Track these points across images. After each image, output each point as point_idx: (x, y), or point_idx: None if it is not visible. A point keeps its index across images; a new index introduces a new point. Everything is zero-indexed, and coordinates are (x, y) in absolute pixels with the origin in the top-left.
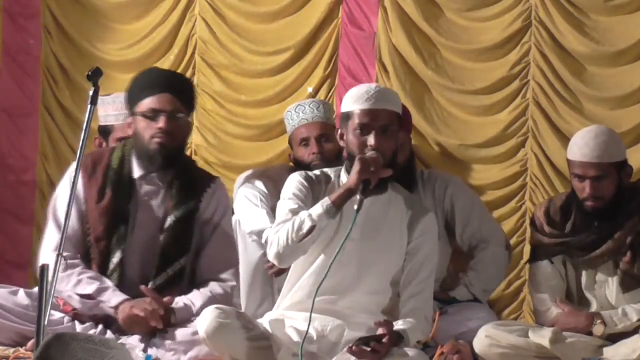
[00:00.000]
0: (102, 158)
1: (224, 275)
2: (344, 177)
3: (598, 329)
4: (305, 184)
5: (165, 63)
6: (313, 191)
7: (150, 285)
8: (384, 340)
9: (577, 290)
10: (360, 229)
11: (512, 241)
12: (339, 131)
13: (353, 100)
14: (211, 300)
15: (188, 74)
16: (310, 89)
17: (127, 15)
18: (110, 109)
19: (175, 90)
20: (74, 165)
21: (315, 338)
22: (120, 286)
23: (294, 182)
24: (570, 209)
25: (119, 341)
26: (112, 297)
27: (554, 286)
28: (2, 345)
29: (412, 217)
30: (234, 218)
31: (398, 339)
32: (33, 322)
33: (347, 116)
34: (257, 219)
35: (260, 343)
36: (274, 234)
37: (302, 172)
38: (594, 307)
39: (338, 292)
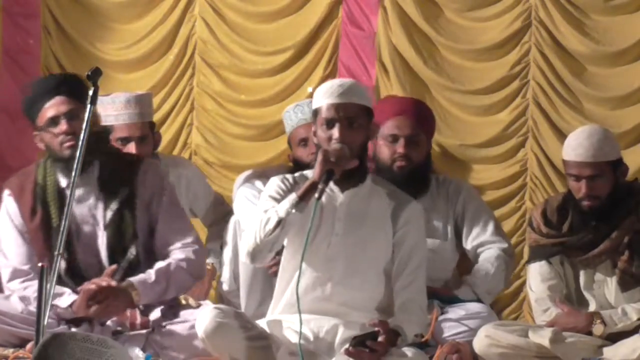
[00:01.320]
0: (28, 177)
1: (184, 241)
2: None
3: (598, 329)
4: (283, 186)
5: (165, 63)
6: (290, 194)
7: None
8: (381, 339)
9: (576, 290)
10: (343, 223)
11: (512, 241)
12: (312, 128)
13: (320, 95)
14: (169, 266)
15: (188, 74)
16: (310, 89)
17: (127, 15)
18: (110, 109)
19: (63, 91)
20: (4, 195)
21: (312, 339)
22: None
23: (272, 184)
24: (567, 209)
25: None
26: (62, 299)
27: (552, 286)
28: (1, 346)
29: (395, 208)
30: (233, 218)
31: (395, 337)
32: (28, 325)
33: (315, 112)
34: None
35: (259, 343)
36: (245, 236)
37: (281, 176)
38: (593, 307)
39: (329, 289)
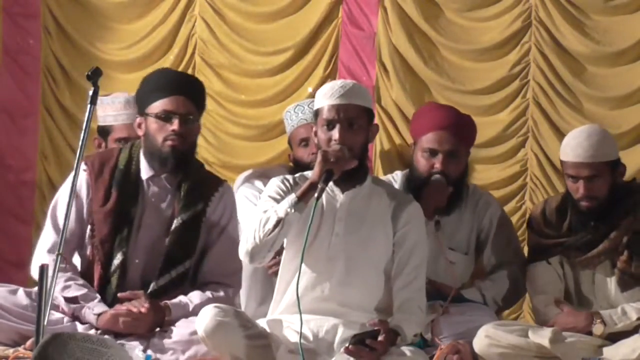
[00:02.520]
0: (109, 159)
1: (226, 280)
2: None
3: (598, 329)
4: (283, 187)
5: (165, 63)
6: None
7: (152, 286)
8: (380, 338)
9: (576, 290)
10: (343, 223)
11: None
12: (313, 129)
13: (321, 96)
14: (209, 300)
15: None
16: (310, 89)
17: (127, 15)
18: (110, 110)
19: (189, 92)
20: (80, 168)
21: (311, 339)
22: (121, 287)
23: (272, 185)
24: (566, 209)
25: (118, 342)
26: (97, 306)
27: (552, 287)
28: (2, 345)
29: (395, 208)
30: None
31: (395, 336)
32: (32, 322)
33: (316, 113)
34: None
35: (259, 342)
36: (245, 237)
37: (281, 176)
38: (593, 307)
39: (329, 289)
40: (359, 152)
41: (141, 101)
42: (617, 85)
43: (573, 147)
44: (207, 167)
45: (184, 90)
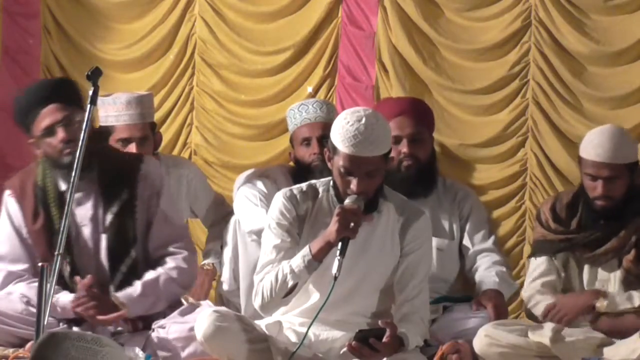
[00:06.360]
0: (28, 177)
1: (174, 249)
2: (332, 192)
3: (601, 303)
4: (289, 206)
5: (165, 63)
6: (298, 212)
7: (111, 289)
8: (385, 339)
9: (580, 287)
10: (351, 247)
11: (512, 241)
12: (326, 151)
13: (340, 138)
14: (157, 279)
15: (188, 74)
16: (310, 89)
17: (127, 15)
18: (111, 110)
19: (56, 97)
20: (5, 195)
21: (312, 340)
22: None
23: (278, 206)
24: (577, 206)
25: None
26: (61, 296)
27: (547, 283)
28: (1, 346)
29: (404, 224)
30: (233, 218)
31: (399, 344)
32: (29, 325)
33: (334, 148)
34: (257, 219)
35: (260, 345)
36: (258, 282)
37: (287, 192)
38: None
39: (331, 307)
40: (376, 192)
41: (24, 127)
42: (617, 85)
43: (595, 145)
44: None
45: (50, 99)
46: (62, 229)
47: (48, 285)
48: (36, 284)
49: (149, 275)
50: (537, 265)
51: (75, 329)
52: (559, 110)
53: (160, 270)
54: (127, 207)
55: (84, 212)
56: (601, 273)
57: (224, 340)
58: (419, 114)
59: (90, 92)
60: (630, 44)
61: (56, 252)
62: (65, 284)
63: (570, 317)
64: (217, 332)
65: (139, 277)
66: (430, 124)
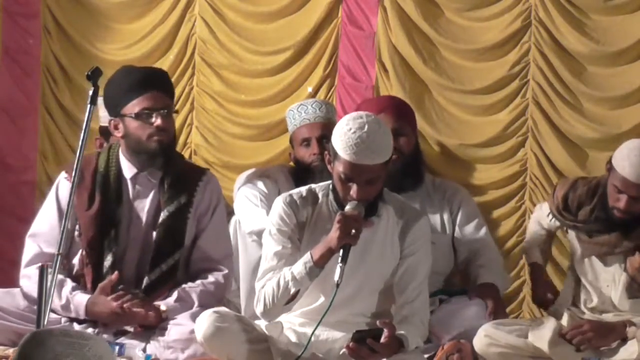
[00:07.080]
0: (89, 164)
1: (215, 265)
2: (332, 197)
3: (631, 332)
4: (289, 212)
5: (165, 63)
6: (299, 218)
7: (145, 281)
8: (383, 340)
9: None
10: (352, 254)
11: (512, 241)
12: (326, 154)
13: (342, 145)
14: (203, 292)
15: (188, 74)
16: (310, 89)
17: (127, 15)
18: None
19: (161, 86)
20: (60, 177)
21: (312, 341)
22: (116, 286)
23: (278, 212)
24: (591, 199)
25: (117, 341)
26: (77, 295)
27: (544, 233)
28: (2, 345)
29: (403, 227)
30: (234, 218)
31: (398, 345)
32: (30, 322)
33: (335, 153)
34: (257, 219)
35: (260, 346)
36: (260, 289)
37: (287, 197)
38: (594, 302)
39: (331, 310)
40: (377, 197)
41: (114, 103)
42: (617, 85)
43: (632, 164)
44: (211, 168)
45: (156, 85)
46: (62, 227)
47: (48, 285)
48: (57, 276)
49: (188, 285)
50: (544, 214)
51: (76, 327)
52: (559, 110)
53: (199, 282)
54: (183, 210)
55: (141, 206)
56: (606, 274)
57: (224, 340)
58: (398, 110)
59: (90, 92)
60: (630, 44)
61: (56, 252)
62: (96, 277)
63: (597, 346)
64: (217, 333)
65: (175, 279)
66: (412, 119)
